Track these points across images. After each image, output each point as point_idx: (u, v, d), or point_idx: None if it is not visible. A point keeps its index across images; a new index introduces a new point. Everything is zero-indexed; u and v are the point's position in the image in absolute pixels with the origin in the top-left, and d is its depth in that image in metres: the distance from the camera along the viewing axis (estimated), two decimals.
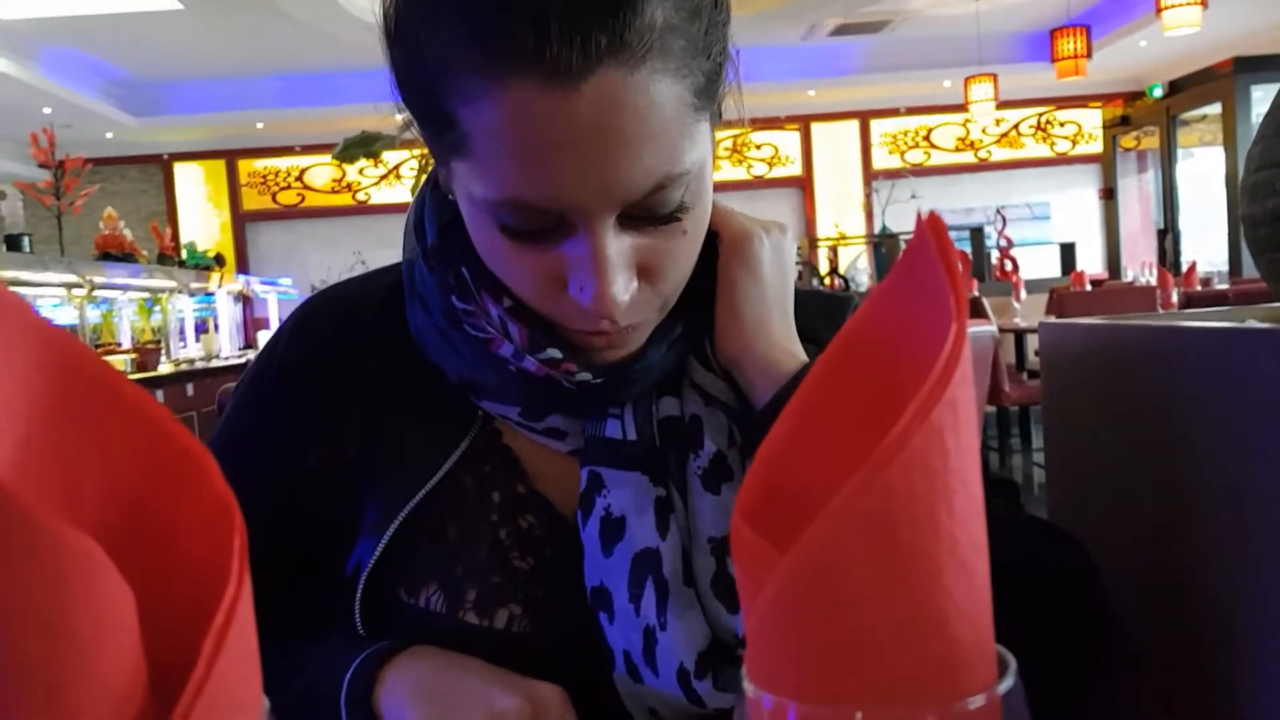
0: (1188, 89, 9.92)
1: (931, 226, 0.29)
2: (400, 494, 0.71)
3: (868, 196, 10.55)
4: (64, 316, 6.39)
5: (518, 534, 0.72)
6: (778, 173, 10.91)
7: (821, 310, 0.81)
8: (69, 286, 5.25)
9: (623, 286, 0.62)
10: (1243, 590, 0.71)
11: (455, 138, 0.60)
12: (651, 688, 0.67)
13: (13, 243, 5.50)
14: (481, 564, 0.71)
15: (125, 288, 5.87)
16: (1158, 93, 10.24)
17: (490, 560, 0.71)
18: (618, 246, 0.61)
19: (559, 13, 0.54)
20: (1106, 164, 11.10)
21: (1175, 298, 5.05)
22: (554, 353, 0.68)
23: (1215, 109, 9.57)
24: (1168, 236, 10.16)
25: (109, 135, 9.56)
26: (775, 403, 0.69)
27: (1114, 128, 10.91)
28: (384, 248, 10.15)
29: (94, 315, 5.70)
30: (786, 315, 0.74)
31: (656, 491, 0.69)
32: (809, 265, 9.28)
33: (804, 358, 0.72)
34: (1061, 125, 11.11)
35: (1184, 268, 7.24)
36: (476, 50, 0.56)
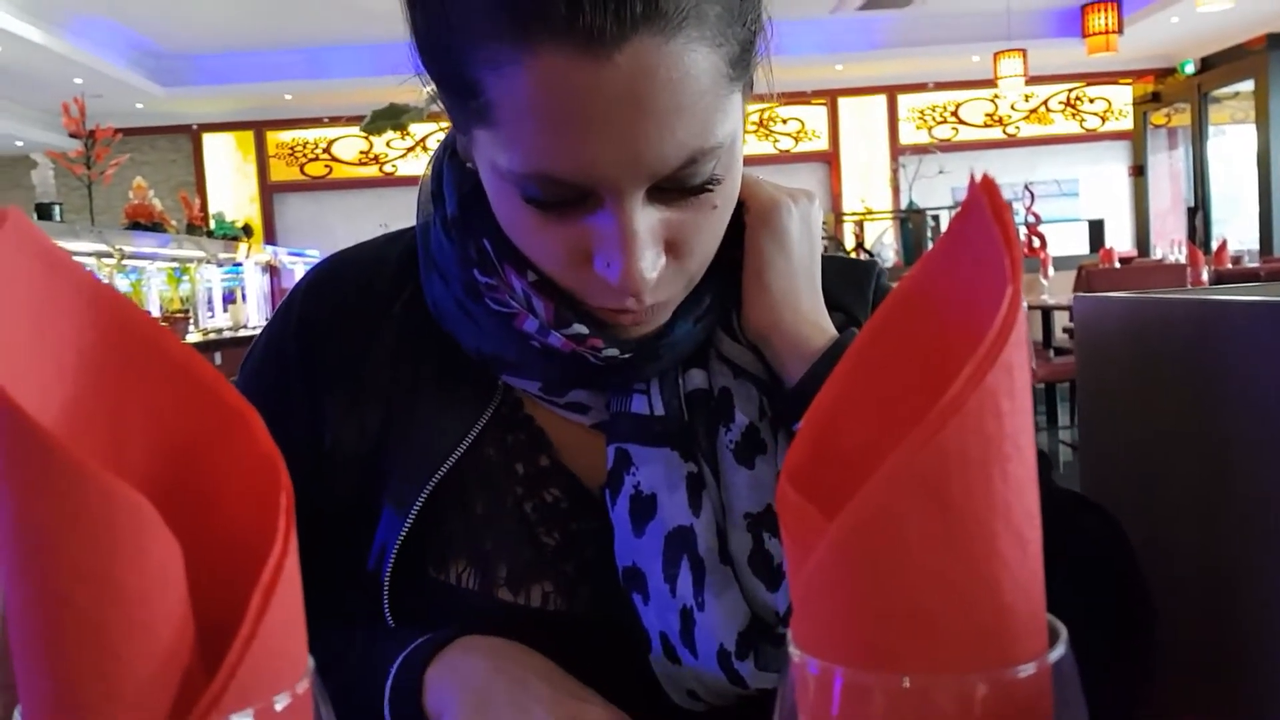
0: (1220, 66, 9.77)
1: (985, 188, 0.28)
2: (425, 466, 0.69)
3: (895, 172, 10.47)
4: None
5: (543, 508, 0.71)
6: (804, 147, 10.84)
7: (846, 277, 0.79)
8: (99, 255, 5.28)
9: (650, 263, 0.60)
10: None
11: (479, 106, 0.58)
12: (690, 669, 0.65)
13: (44, 211, 5.54)
14: (510, 538, 0.69)
15: (154, 257, 5.90)
16: (1189, 69, 10.08)
17: (519, 535, 0.70)
18: (646, 222, 0.59)
19: None
20: (1136, 141, 10.96)
21: (1206, 275, 4.99)
22: (580, 328, 0.66)
23: (1247, 86, 9.42)
24: (1198, 214, 10.04)
25: (139, 105, 9.60)
26: (807, 379, 0.67)
27: (1144, 104, 10.77)
28: (410, 220, 10.03)
29: (123, 284, 5.74)
30: (815, 287, 0.73)
31: (687, 467, 0.67)
32: (835, 240, 9.22)
33: (833, 331, 0.70)
34: (1091, 101, 10.98)
35: (1214, 246, 7.15)
36: (505, 15, 0.54)
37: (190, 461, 0.28)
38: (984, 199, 0.28)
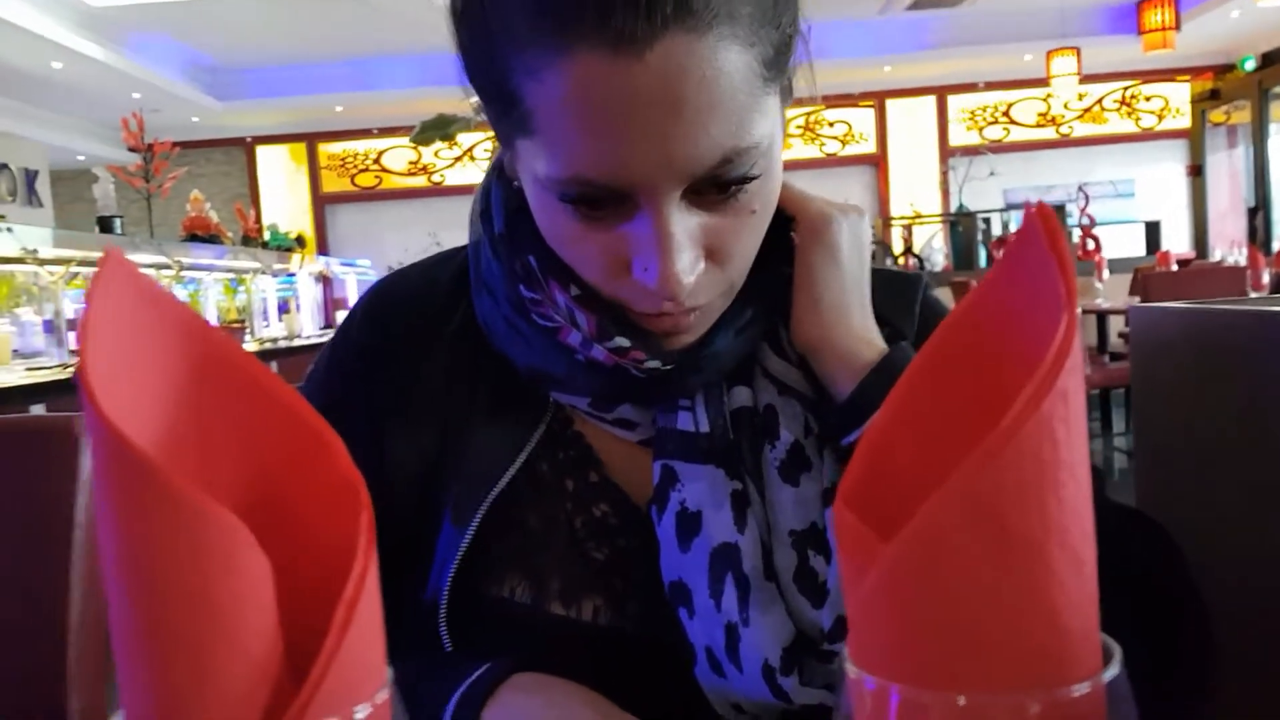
0: None
1: (1041, 216, 0.29)
2: (482, 482, 0.70)
3: (944, 174, 10.38)
4: None
5: (592, 523, 0.72)
6: (851, 150, 10.79)
7: (892, 290, 0.79)
8: (158, 267, 5.39)
9: (688, 265, 0.61)
10: None
11: (520, 115, 0.59)
12: (735, 684, 0.66)
13: (105, 225, 5.67)
14: (562, 553, 0.70)
15: (211, 268, 6.01)
16: (1250, 65, 9.89)
17: (569, 550, 0.71)
18: (683, 225, 0.60)
19: None
20: (1194, 140, 10.77)
21: (1266, 278, 4.89)
22: (622, 341, 0.67)
23: None
24: (1259, 215, 9.83)
25: (195, 119, 9.80)
26: (858, 394, 0.68)
27: (1203, 102, 10.57)
28: (459, 229, 10.16)
29: (182, 295, 5.86)
30: (865, 301, 0.73)
31: (732, 485, 0.68)
32: (883, 245, 9.17)
33: (883, 346, 0.70)
34: (1147, 100, 10.81)
35: (1275, 247, 7.00)
36: (540, 21, 0.56)
37: (275, 483, 0.30)
38: (1040, 227, 0.29)
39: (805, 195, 0.73)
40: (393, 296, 0.80)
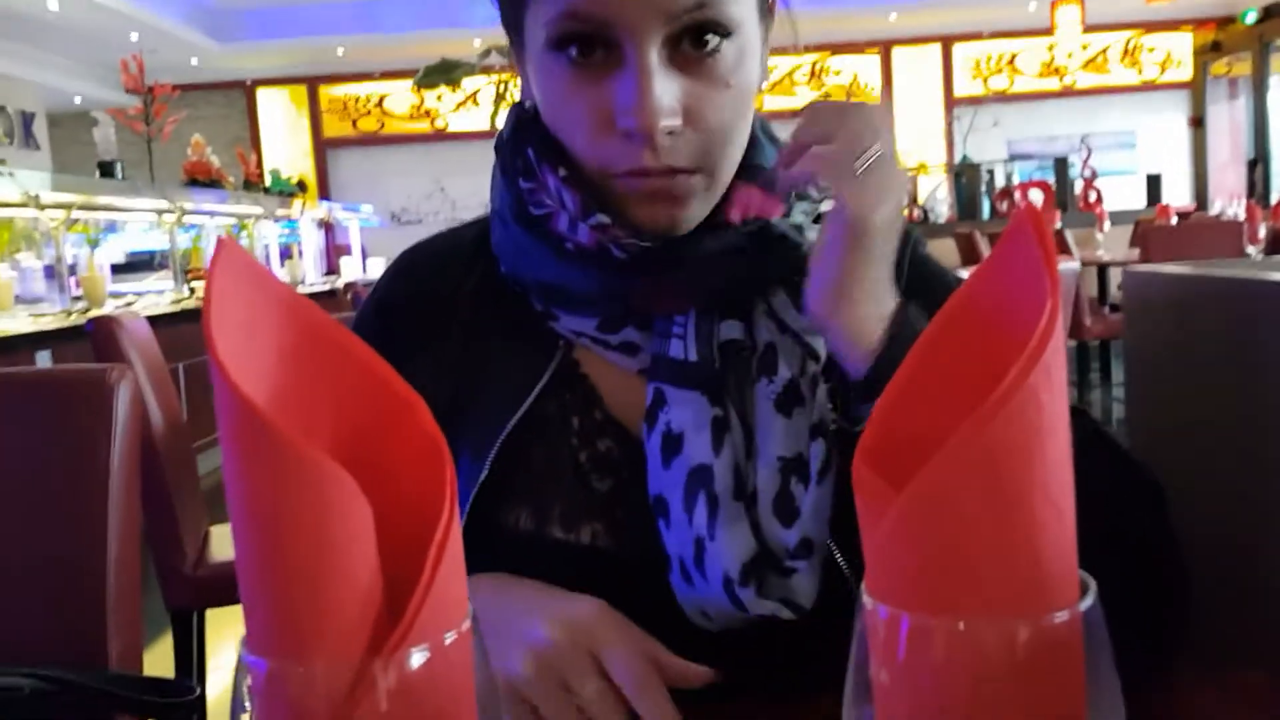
0: None
1: (1030, 216, 0.33)
2: (493, 424, 0.77)
3: (949, 124, 10.34)
4: (154, 241, 6.57)
5: (595, 457, 0.78)
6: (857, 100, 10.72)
7: None
8: (159, 212, 5.41)
9: (666, 106, 0.68)
10: None
11: None
12: (701, 592, 0.72)
13: (106, 169, 5.66)
14: (567, 485, 0.77)
15: (213, 214, 6.02)
16: (1251, 17, 9.81)
17: (574, 482, 0.77)
18: (662, 75, 0.68)
19: None
20: (1196, 91, 10.72)
21: (1263, 233, 4.91)
22: (603, 218, 0.73)
23: None
24: (1258, 167, 9.82)
25: (194, 61, 9.72)
26: (874, 372, 0.69)
27: (1205, 53, 10.50)
28: (463, 175, 10.28)
29: (183, 240, 5.88)
30: (887, 284, 0.72)
31: (714, 411, 0.74)
32: None
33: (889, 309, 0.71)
34: (1150, 51, 10.73)
35: (1274, 199, 7.00)
36: None
37: (369, 442, 0.34)
38: (1029, 225, 0.33)
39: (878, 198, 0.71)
40: (419, 256, 0.89)
